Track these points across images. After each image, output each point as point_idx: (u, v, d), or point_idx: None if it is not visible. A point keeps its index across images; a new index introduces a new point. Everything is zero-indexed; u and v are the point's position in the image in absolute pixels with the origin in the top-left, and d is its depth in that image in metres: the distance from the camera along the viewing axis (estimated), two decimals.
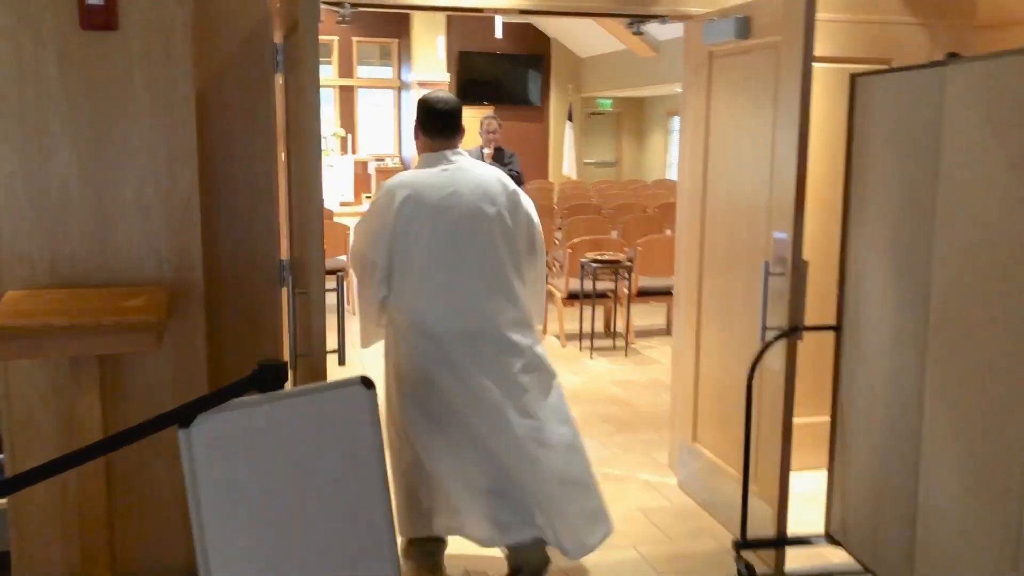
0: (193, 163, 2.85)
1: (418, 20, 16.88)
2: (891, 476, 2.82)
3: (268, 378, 2.23)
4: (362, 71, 18.20)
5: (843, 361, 3.14)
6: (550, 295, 6.82)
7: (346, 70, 17.91)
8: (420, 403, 2.87)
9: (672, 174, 17.99)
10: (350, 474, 2.19)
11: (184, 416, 2.00)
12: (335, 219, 8.45)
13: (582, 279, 6.27)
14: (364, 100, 18.41)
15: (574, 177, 17.62)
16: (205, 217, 2.96)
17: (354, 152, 17.84)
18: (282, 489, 2.10)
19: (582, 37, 17.22)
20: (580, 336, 6.43)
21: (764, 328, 3.12)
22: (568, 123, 17.81)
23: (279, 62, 3.20)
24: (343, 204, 16.64)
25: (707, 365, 3.82)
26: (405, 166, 18.03)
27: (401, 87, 18.17)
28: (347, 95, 17.99)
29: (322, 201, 2.64)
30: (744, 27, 3.39)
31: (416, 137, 3.00)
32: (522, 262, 2.95)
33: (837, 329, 3.13)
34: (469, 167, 2.91)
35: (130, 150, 2.78)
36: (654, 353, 6.41)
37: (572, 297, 6.52)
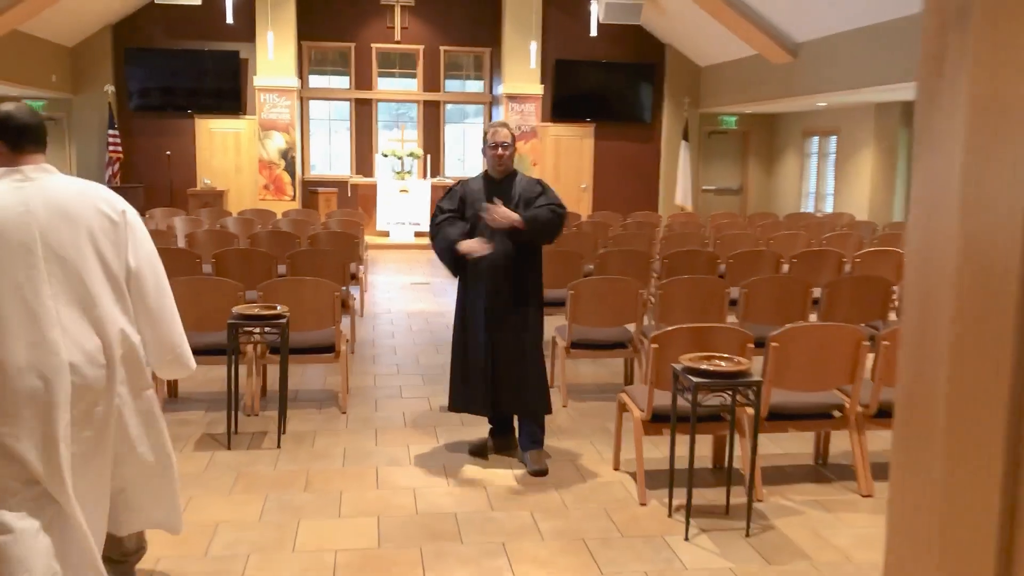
0: None
1: (510, 22, 14.65)
2: None
3: None
4: (450, 85, 16.09)
5: None
6: (624, 408, 4.28)
7: (432, 83, 15.83)
8: None
9: (808, 206, 15.04)
10: None
11: None
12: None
13: (675, 394, 3.72)
14: (451, 117, 16.29)
15: (688, 207, 14.95)
16: None
17: (439, 174, 15.73)
18: None
19: (702, 42, 14.59)
20: (671, 484, 3.87)
21: None
22: (683, 143, 15.19)
23: None
24: (418, 235, 14.49)
25: None
26: None
27: (492, 103, 15.97)
28: (432, 111, 15.92)
29: None
30: None
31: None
32: (129, 299, 2.69)
33: None
34: (51, 185, 2.57)
35: None
36: (798, 528, 3.79)
37: (659, 419, 3.99)
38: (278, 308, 4.62)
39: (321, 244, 7.90)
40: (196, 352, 3.06)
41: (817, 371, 4.00)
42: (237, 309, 4.51)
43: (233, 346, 4.46)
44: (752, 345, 3.98)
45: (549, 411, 4.43)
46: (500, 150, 4.31)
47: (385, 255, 12.93)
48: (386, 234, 14.36)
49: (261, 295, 5.05)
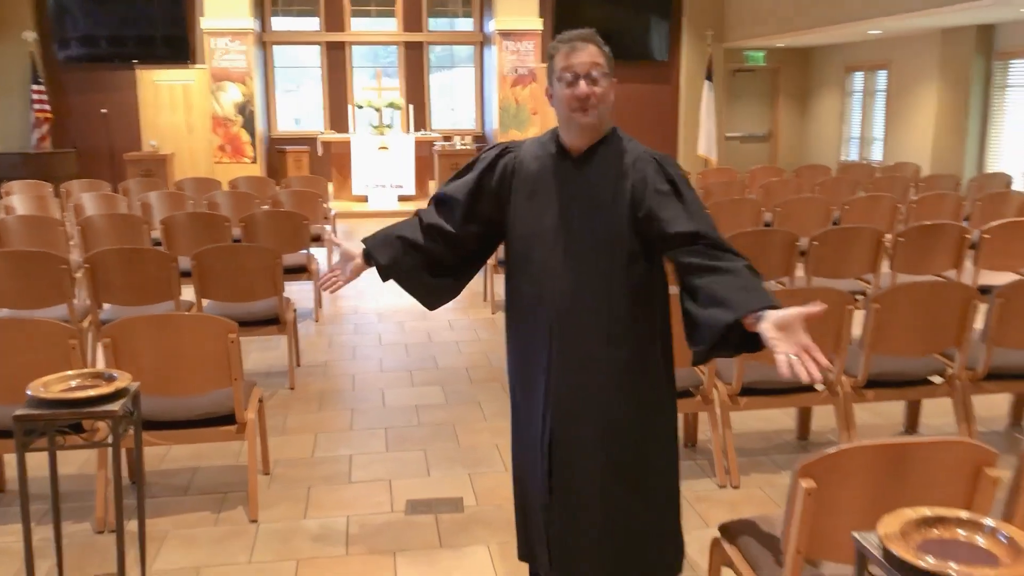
0: None
1: None
2: None
3: None
4: (435, 23, 13.95)
5: None
6: None
7: (414, 22, 13.70)
8: None
9: (851, 153, 13.01)
10: None
11: None
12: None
13: None
14: (438, 61, 14.19)
15: (713, 159, 12.92)
16: None
17: (426, 128, 13.66)
18: None
19: None
20: None
21: None
22: (707, 84, 13.09)
23: None
24: (402, 200, 12.45)
25: None
26: (487, 144, 13.80)
27: (484, 42, 13.85)
28: (415, 55, 13.81)
29: None
30: None
31: None
32: None
33: None
34: None
35: None
36: None
37: None
38: (116, 377, 2.68)
39: (258, 228, 5.95)
40: None
41: None
42: (35, 387, 2.57)
43: (22, 452, 2.54)
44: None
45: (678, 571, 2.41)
46: (583, 84, 2.11)
47: (363, 225, 10.95)
48: (364, 199, 12.36)
49: (107, 344, 3.11)
